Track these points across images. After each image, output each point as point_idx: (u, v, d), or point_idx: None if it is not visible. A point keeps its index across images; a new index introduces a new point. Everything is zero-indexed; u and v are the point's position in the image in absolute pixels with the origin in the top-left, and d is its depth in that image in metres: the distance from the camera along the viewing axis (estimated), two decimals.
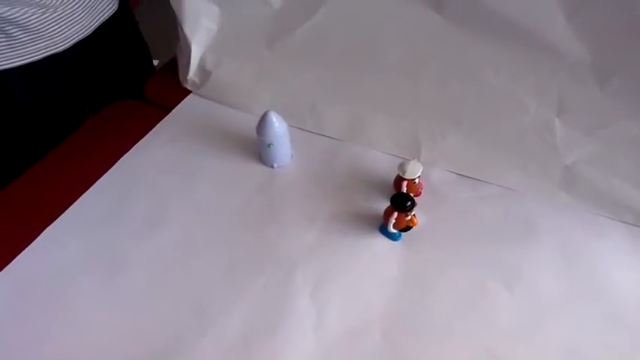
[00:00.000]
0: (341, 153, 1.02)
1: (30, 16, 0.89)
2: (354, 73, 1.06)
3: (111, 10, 1.05)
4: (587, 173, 0.93)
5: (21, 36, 0.90)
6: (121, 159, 1.00)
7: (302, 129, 1.05)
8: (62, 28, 0.95)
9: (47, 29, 0.93)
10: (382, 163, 0.99)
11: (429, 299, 0.79)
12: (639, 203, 0.89)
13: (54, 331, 0.77)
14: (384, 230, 0.86)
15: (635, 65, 0.86)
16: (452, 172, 0.96)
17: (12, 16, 0.86)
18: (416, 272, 0.82)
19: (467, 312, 0.77)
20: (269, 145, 0.95)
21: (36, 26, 0.91)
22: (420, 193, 0.92)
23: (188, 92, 1.16)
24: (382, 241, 0.86)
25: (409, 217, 0.83)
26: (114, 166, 0.99)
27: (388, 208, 0.84)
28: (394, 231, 0.85)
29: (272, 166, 0.99)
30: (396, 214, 0.82)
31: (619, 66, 0.88)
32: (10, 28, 0.88)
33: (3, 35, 0.88)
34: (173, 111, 1.12)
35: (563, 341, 0.74)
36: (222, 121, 1.09)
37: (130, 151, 1.02)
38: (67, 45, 0.99)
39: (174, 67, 1.20)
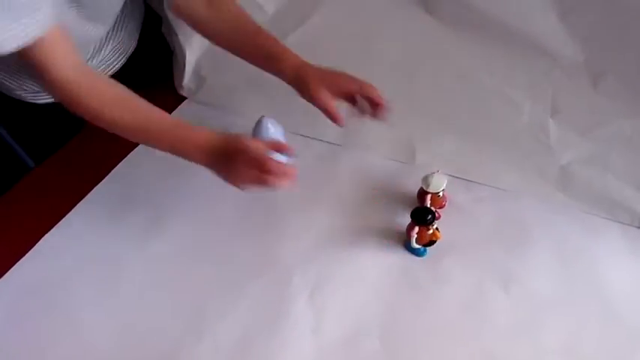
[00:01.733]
0: (337, 157, 1.02)
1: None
2: None
3: (131, 50, 1.06)
4: (583, 173, 0.93)
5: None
6: (117, 166, 1.00)
7: (298, 134, 1.05)
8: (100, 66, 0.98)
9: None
10: (377, 167, 0.99)
11: (426, 303, 0.79)
12: (634, 203, 0.90)
13: (53, 339, 0.77)
14: (408, 246, 0.85)
15: (627, 65, 0.87)
16: (447, 173, 0.96)
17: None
18: (412, 275, 0.82)
19: (464, 314, 0.77)
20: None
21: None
22: (445, 205, 0.90)
23: (184, 99, 1.17)
24: (378, 245, 0.87)
25: (431, 231, 0.81)
26: (110, 174, 0.99)
27: (409, 223, 0.83)
28: (417, 246, 0.83)
29: None
30: (417, 228, 0.81)
31: (612, 66, 0.88)
32: None
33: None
34: None
35: (560, 342, 0.74)
36: (218, 126, 1.06)
37: (127, 158, 1.02)
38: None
39: (170, 73, 1.20)
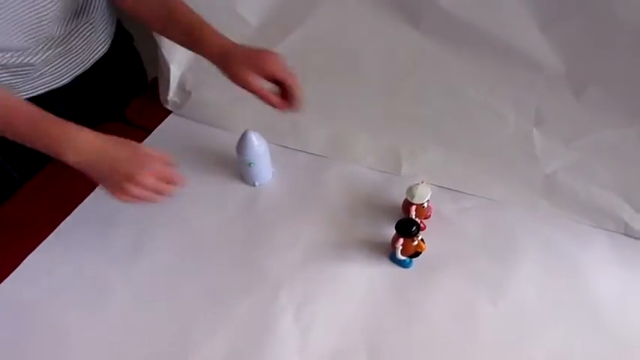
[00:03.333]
0: (322, 169, 1.02)
1: (40, 55, 0.90)
2: (334, 90, 1.06)
3: (105, 48, 1.04)
4: (567, 182, 0.94)
5: (31, 72, 0.92)
6: None
7: (283, 146, 1.05)
8: (64, 64, 0.96)
9: (51, 65, 0.94)
10: (364, 178, 0.99)
11: (414, 316, 0.78)
12: (620, 210, 0.90)
13: (40, 356, 0.76)
14: (393, 258, 0.85)
15: (608, 75, 0.88)
16: (433, 184, 0.96)
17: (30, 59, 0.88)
18: (399, 289, 0.82)
19: (452, 327, 0.77)
20: (249, 164, 0.95)
21: (43, 63, 0.92)
22: (430, 216, 0.91)
23: (169, 112, 1.16)
24: (365, 259, 0.86)
25: (416, 243, 0.82)
26: (96, 190, 0.98)
27: (394, 235, 0.83)
28: (403, 258, 0.83)
29: (254, 185, 0.99)
30: (402, 240, 0.81)
31: (593, 76, 0.89)
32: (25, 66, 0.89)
33: (21, 71, 0.90)
34: (154, 132, 1.11)
35: (548, 352, 0.74)
36: (203, 140, 1.08)
37: None
38: (67, 80, 0.99)
39: (155, 87, 1.19)
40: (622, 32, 0.83)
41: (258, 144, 0.92)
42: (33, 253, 0.89)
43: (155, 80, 1.20)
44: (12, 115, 0.75)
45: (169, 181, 0.77)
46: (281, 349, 0.75)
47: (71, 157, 0.73)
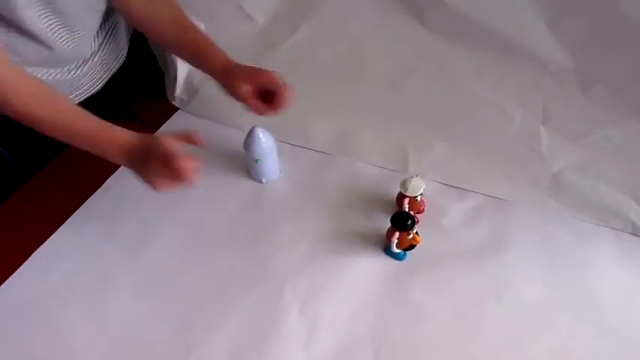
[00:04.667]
0: (329, 166, 1.02)
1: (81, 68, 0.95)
2: (340, 87, 1.06)
3: (121, 61, 1.07)
4: (574, 180, 0.93)
5: (73, 83, 0.96)
6: (108, 179, 1.00)
7: (289, 143, 1.05)
8: (97, 71, 1.00)
9: (88, 75, 0.98)
10: (370, 176, 0.99)
11: (419, 312, 0.79)
12: (626, 208, 0.90)
13: (43, 354, 0.76)
14: (388, 251, 0.85)
15: (616, 72, 0.87)
16: (439, 182, 0.96)
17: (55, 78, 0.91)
18: (404, 286, 0.82)
19: (456, 324, 0.77)
20: (257, 161, 0.95)
21: (82, 75, 0.96)
22: (423, 210, 0.91)
23: (176, 109, 1.17)
24: (371, 255, 0.86)
25: (411, 236, 0.82)
26: (102, 187, 0.99)
27: (389, 228, 0.83)
28: (398, 251, 0.84)
29: (261, 181, 0.99)
30: (397, 233, 0.81)
31: (601, 73, 0.88)
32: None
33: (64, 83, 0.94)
34: (161, 129, 1.12)
35: (551, 351, 0.74)
36: (210, 137, 1.05)
37: (118, 170, 1.02)
38: (100, 87, 1.02)
39: (162, 84, 1.20)
40: (630, 29, 0.82)
41: (265, 140, 0.93)
42: (40, 248, 0.89)
43: (162, 77, 1.21)
44: (72, 122, 0.78)
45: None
46: (286, 344, 0.75)
47: (122, 161, 0.79)
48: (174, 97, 1.15)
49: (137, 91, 1.22)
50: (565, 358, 0.73)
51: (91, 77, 0.99)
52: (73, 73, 0.93)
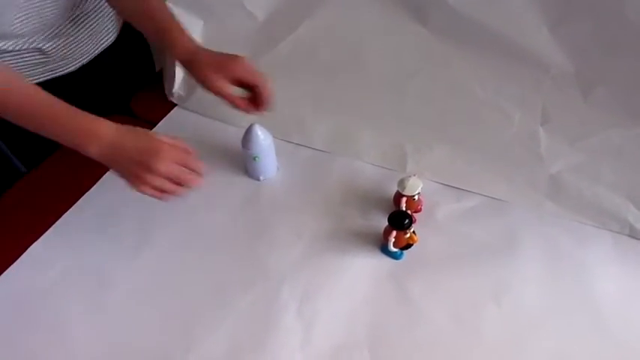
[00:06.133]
0: (327, 165, 1.01)
1: (49, 42, 0.91)
2: (340, 85, 1.06)
3: (112, 37, 1.06)
4: (573, 182, 0.94)
5: (39, 58, 0.92)
6: (105, 175, 0.99)
7: (287, 140, 1.05)
8: (71, 51, 0.97)
9: (57, 53, 0.95)
10: (368, 175, 0.99)
11: (416, 313, 0.78)
12: (624, 211, 0.90)
13: (40, 351, 0.76)
14: (385, 250, 0.85)
15: (617, 76, 0.87)
16: (437, 182, 0.96)
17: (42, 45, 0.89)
18: (402, 286, 0.82)
19: (454, 325, 0.77)
20: (254, 158, 0.95)
21: (49, 50, 0.93)
22: (421, 209, 0.91)
23: (174, 105, 1.16)
24: (368, 254, 0.86)
25: (408, 235, 0.82)
26: (98, 182, 0.98)
27: (386, 227, 0.83)
28: (395, 250, 0.84)
29: (258, 179, 0.99)
30: (394, 232, 0.81)
31: (601, 76, 0.89)
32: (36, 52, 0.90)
33: (29, 57, 0.90)
34: (159, 124, 1.11)
35: (550, 353, 0.74)
36: (208, 134, 1.08)
37: None
38: (73, 68, 1.00)
39: (160, 80, 1.19)
40: (631, 33, 0.82)
41: (263, 138, 0.92)
42: (35, 243, 0.89)
43: (160, 73, 1.20)
44: (33, 105, 0.73)
45: (190, 170, 0.76)
46: (283, 344, 0.75)
47: (93, 150, 0.73)
48: (172, 93, 1.15)
49: (135, 88, 1.21)
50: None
51: (64, 55, 0.96)
52: (43, 44, 0.90)
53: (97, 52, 1.03)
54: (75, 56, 0.99)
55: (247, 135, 0.92)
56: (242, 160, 0.99)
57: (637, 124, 0.90)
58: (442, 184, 0.96)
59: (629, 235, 0.89)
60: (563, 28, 0.87)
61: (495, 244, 0.87)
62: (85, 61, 1.01)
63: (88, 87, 1.06)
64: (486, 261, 0.85)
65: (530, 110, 0.96)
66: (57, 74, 0.97)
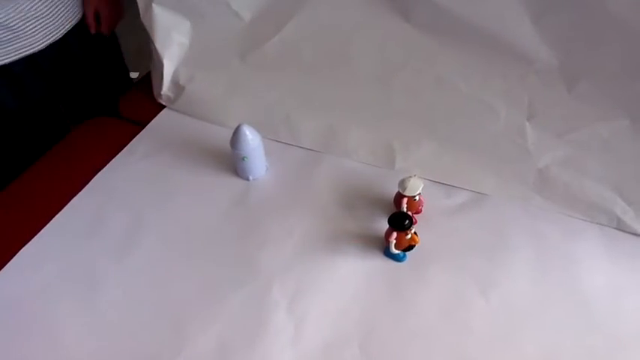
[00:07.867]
0: (316, 163, 1.02)
1: (7, 15, 0.94)
2: (327, 84, 1.06)
3: (78, 16, 1.09)
4: (560, 176, 0.94)
5: (2, 35, 0.95)
6: (95, 177, 0.99)
7: (276, 140, 1.05)
8: (36, 28, 0.99)
9: (24, 28, 0.97)
10: (358, 173, 0.99)
11: (406, 309, 0.79)
12: (612, 204, 0.91)
13: (30, 353, 0.76)
14: (387, 253, 0.85)
15: (601, 69, 0.88)
16: (426, 179, 0.96)
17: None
18: (392, 283, 0.82)
19: (444, 321, 0.77)
20: (243, 159, 0.95)
21: (14, 25, 0.95)
22: (421, 210, 0.91)
23: (163, 107, 1.16)
24: (359, 252, 0.86)
25: (409, 236, 0.82)
26: (88, 184, 0.98)
27: (387, 229, 0.83)
28: (397, 252, 0.84)
29: (247, 179, 0.99)
30: (395, 234, 0.81)
31: (586, 70, 0.89)
32: None
33: None
34: (147, 126, 1.11)
35: (539, 347, 0.74)
36: (197, 135, 1.08)
37: (105, 168, 1.01)
38: (42, 46, 1.02)
39: (149, 82, 1.19)
40: (614, 26, 0.83)
41: (252, 138, 0.93)
42: (25, 246, 0.88)
43: (148, 74, 1.20)
44: None
45: None
46: (274, 342, 0.75)
47: None
48: (160, 95, 1.15)
49: (123, 89, 1.21)
50: (554, 353, 0.74)
51: (30, 32, 0.99)
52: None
53: (62, 31, 1.06)
54: (42, 35, 1.01)
55: (236, 135, 0.93)
56: (231, 161, 0.99)
57: (623, 115, 0.91)
58: (431, 180, 0.97)
59: (617, 228, 0.89)
60: (546, 21, 0.87)
61: (483, 238, 0.88)
62: (51, 40, 1.04)
63: (58, 71, 1.09)
64: (474, 256, 0.85)
65: (516, 105, 0.96)
66: (25, 53, 1.00)
